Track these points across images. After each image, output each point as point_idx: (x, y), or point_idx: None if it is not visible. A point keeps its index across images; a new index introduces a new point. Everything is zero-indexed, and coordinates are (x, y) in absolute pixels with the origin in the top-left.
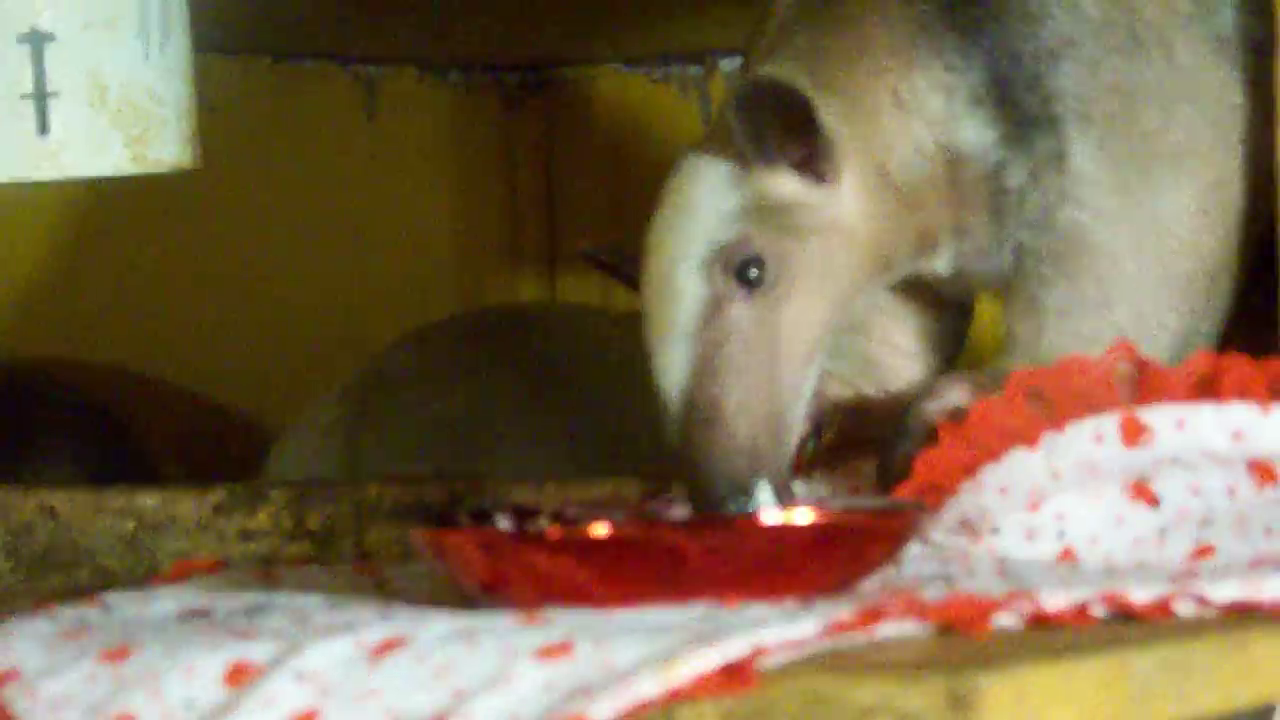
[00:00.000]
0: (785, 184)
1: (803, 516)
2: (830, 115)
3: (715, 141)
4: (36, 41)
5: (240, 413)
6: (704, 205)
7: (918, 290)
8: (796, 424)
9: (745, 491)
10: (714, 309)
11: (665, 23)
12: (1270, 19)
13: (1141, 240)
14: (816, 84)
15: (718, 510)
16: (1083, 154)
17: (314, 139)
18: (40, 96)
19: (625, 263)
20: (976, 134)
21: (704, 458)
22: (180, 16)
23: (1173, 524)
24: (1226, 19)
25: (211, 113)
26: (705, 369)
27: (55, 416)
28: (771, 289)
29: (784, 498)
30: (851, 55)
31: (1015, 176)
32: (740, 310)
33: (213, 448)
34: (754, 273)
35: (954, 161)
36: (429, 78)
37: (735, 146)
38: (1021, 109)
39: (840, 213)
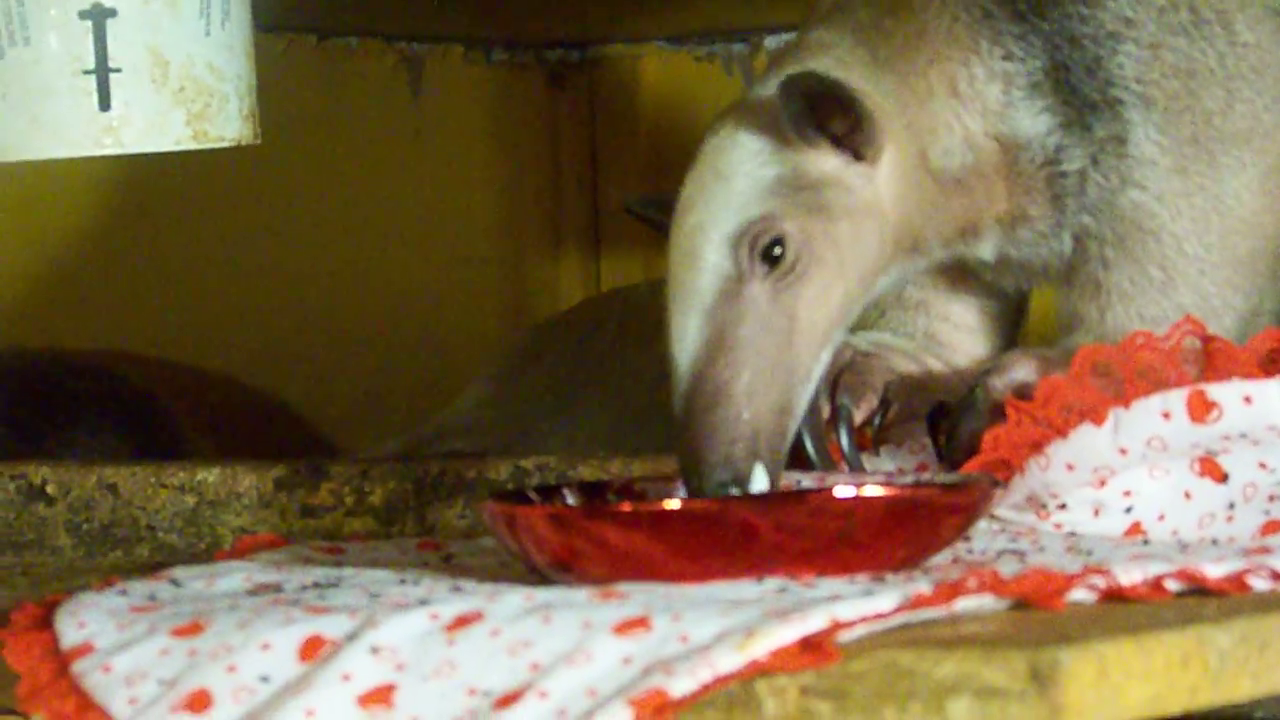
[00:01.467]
0: (823, 160)
1: (874, 491)
2: (880, 94)
3: (753, 110)
4: (98, 17)
5: (277, 395)
6: (737, 178)
7: (975, 274)
8: (802, 409)
9: (741, 479)
10: (734, 286)
11: (709, 0)
12: None
13: (1204, 221)
14: (873, 59)
15: (710, 489)
16: (1144, 137)
17: (359, 117)
18: (102, 72)
19: (667, 215)
20: (1034, 121)
21: (704, 438)
22: None
23: (1241, 499)
24: None
25: (258, 91)
26: (718, 347)
27: (91, 398)
28: (794, 271)
29: (776, 483)
30: (910, 39)
31: (1074, 161)
32: (760, 290)
33: (250, 432)
34: (778, 252)
35: (1010, 149)
36: (473, 55)
37: (773, 118)
38: (1080, 94)
39: (875, 194)
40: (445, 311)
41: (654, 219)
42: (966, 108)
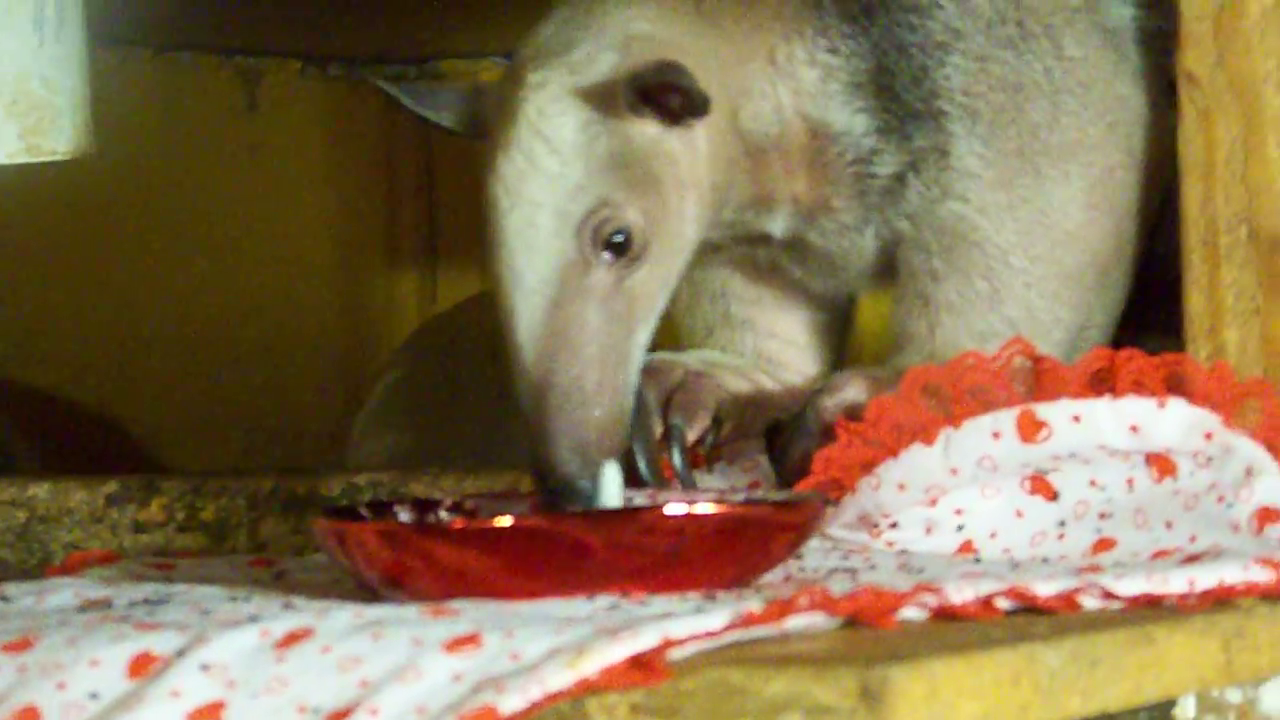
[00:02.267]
0: (649, 127)
1: (705, 509)
2: (701, 49)
3: (576, 70)
4: None
5: (108, 410)
6: (570, 155)
7: (801, 284)
8: (635, 387)
9: (594, 471)
10: (577, 275)
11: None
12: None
13: (1029, 235)
14: (697, 9)
15: (567, 488)
16: (967, 149)
17: (195, 130)
18: None
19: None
20: (849, 118)
21: (558, 435)
22: (75, 5)
23: (1072, 517)
24: (1114, 11)
25: (94, 103)
26: (565, 340)
27: None
28: (638, 252)
29: (625, 476)
30: (746, 3)
31: (887, 166)
32: (605, 278)
33: (79, 448)
34: (621, 239)
35: (819, 136)
36: (310, 70)
37: (599, 84)
38: (903, 102)
39: (694, 160)
40: (280, 325)
41: (420, 102)
42: (781, 80)
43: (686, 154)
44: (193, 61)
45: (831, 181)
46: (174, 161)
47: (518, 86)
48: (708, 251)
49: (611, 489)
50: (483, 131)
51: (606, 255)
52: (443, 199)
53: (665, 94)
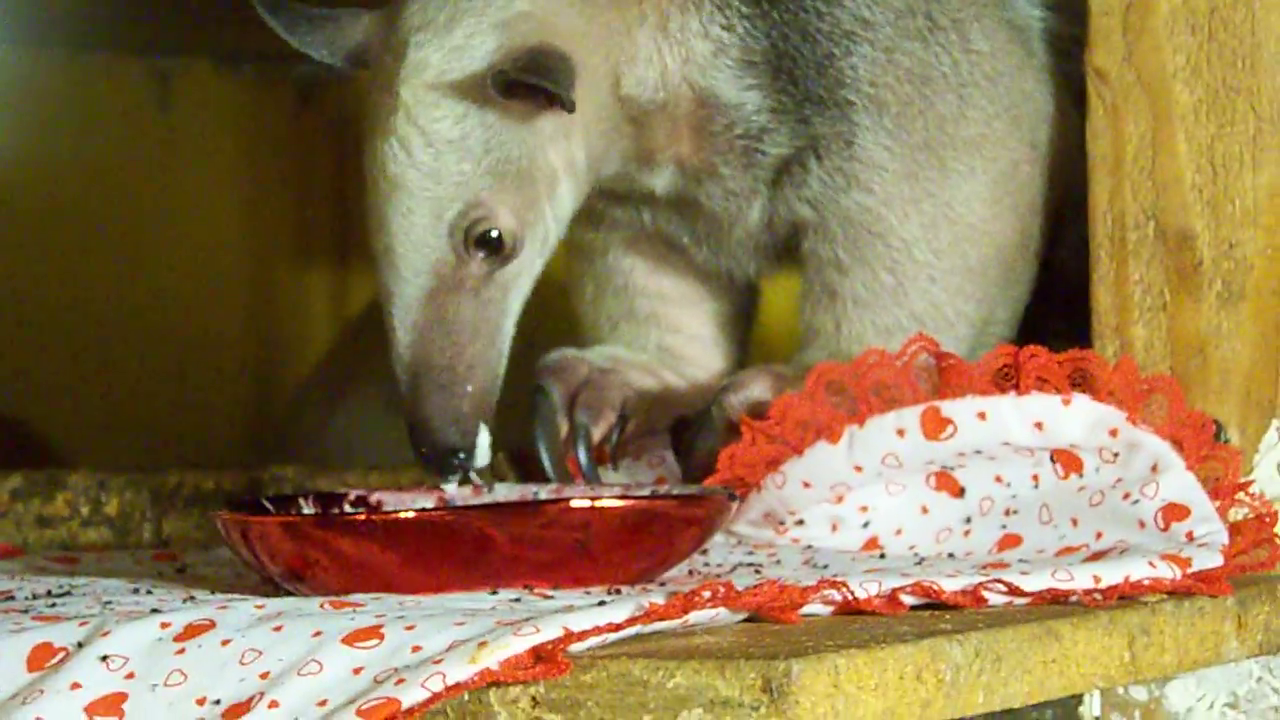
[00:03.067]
0: (521, 114)
1: (610, 503)
2: (586, 18)
3: (452, 53)
4: None
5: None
6: (446, 151)
7: (704, 276)
8: (506, 356)
9: (471, 440)
10: (452, 270)
11: None
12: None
13: (934, 228)
14: None
15: (450, 457)
16: (873, 140)
17: (107, 130)
18: None
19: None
20: (738, 93)
21: (437, 413)
22: None
23: (978, 513)
24: (1019, 8)
25: (3, 103)
26: (438, 330)
27: None
28: (510, 251)
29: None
30: None
31: (778, 146)
32: (477, 272)
33: None
34: (494, 237)
35: (705, 105)
36: (223, 70)
37: (473, 72)
38: (803, 87)
39: (568, 141)
40: (190, 324)
41: (284, 29)
42: (671, 48)
43: (560, 134)
44: (105, 61)
45: (719, 151)
46: (85, 160)
47: (398, 59)
48: (603, 231)
49: (484, 449)
50: (357, 64)
51: (479, 253)
52: (354, 198)
53: (533, 88)
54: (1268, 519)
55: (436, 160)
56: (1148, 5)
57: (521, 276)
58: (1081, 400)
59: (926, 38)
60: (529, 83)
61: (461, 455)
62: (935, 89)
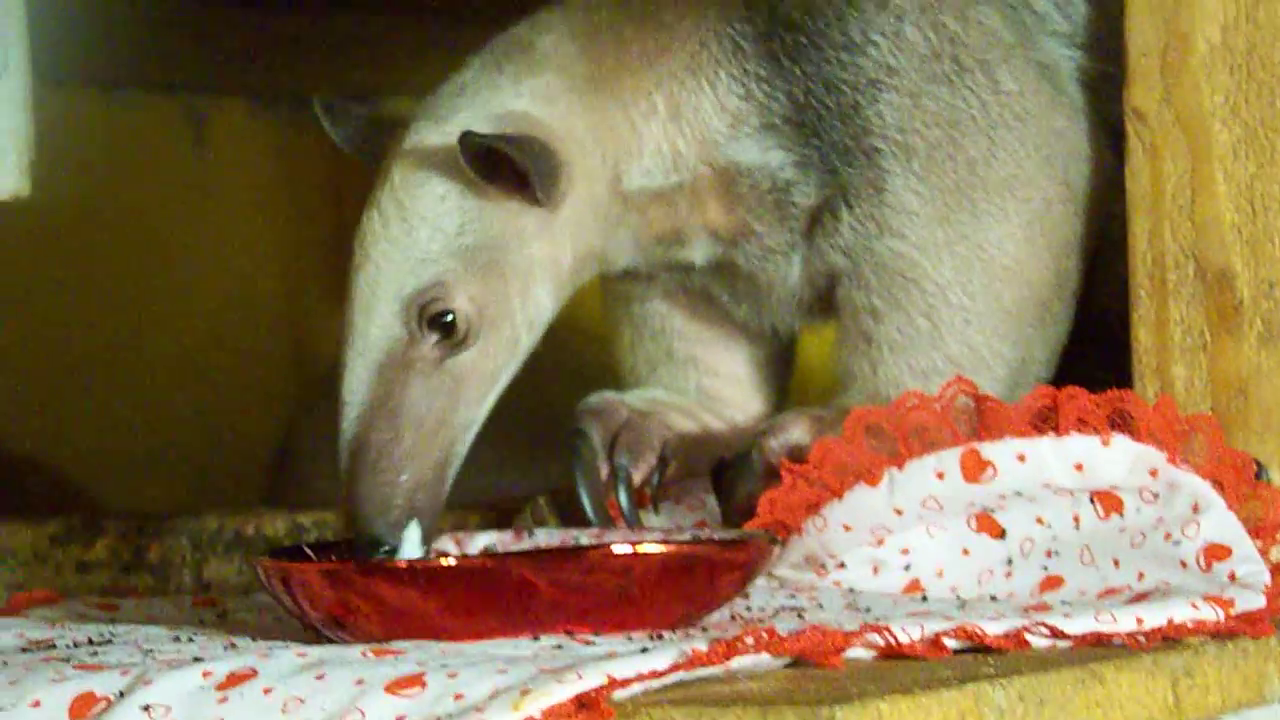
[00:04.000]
0: (507, 204)
1: (651, 548)
2: (586, 119)
3: (446, 144)
4: None
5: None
6: (419, 226)
7: (739, 322)
8: (461, 456)
9: (396, 534)
10: (403, 348)
11: None
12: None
13: (967, 271)
14: (593, 75)
15: (372, 549)
16: (903, 185)
17: (143, 169)
18: None
19: (342, 124)
20: (762, 155)
21: (363, 496)
22: (20, 45)
23: (1019, 555)
24: (1048, 49)
25: (40, 141)
26: (383, 407)
27: None
28: (464, 340)
29: (430, 538)
30: (647, 54)
31: (806, 197)
32: (428, 355)
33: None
34: (449, 320)
35: (728, 174)
36: (258, 109)
37: (456, 159)
38: (827, 138)
39: (552, 239)
40: (227, 364)
41: (335, 122)
42: (683, 133)
43: (544, 234)
44: (141, 99)
45: (749, 208)
46: (121, 200)
47: (399, 141)
48: (641, 282)
49: (412, 548)
50: (376, 158)
51: (432, 334)
52: None
53: (509, 160)
54: None
55: (408, 235)
56: (1186, 45)
57: (478, 373)
58: (1121, 441)
59: (953, 81)
60: (496, 150)
61: (385, 548)
62: (964, 131)
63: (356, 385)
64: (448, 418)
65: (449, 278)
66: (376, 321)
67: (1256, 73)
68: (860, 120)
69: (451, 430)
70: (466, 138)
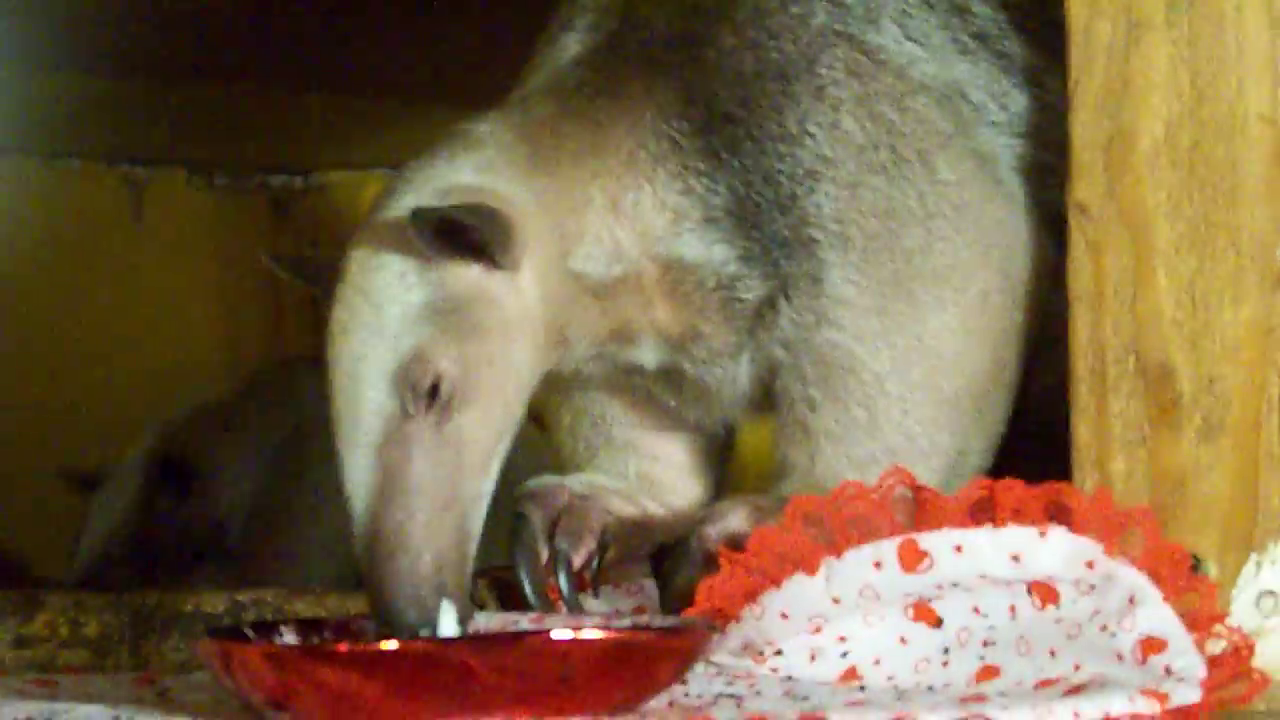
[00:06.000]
0: (467, 272)
1: (591, 634)
2: (528, 195)
3: (396, 226)
4: None
5: None
6: (387, 306)
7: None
8: (478, 530)
9: (431, 616)
10: (398, 424)
11: (430, 129)
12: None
13: (905, 361)
14: (531, 158)
15: (407, 636)
16: (841, 276)
17: (81, 238)
18: None
19: (309, 271)
20: (706, 251)
21: (389, 583)
22: None
23: (956, 644)
24: (986, 138)
25: None
26: (391, 488)
27: None
28: (455, 404)
29: (466, 615)
30: (584, 148)
31: (751, 291)
32: (425, 425)
33: None
34: (436, 389)
35: (673, 270)
36: (196, 180)
37: (410, 236)
38: (768, 230)
39: (521, 300)
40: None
41: (296, 273)
42: (623, 226)
43: (512, 297)
44: (79, 169)
45: (697, 308)
46: (57, 268)
47: (354, 235)
48: (584, 381)
49: (448, 631)
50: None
51: (423, 403)
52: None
53: (457, 228)
54: (1245, 652)
55: (378, 316)
56: (1130, 141)
57: (477, 437)
58: (1058, 532)
59: (890, 171)
60: (448, 220)
61: (423, 633)
62: (901, 222)
63: (358, 472)
64: (457, 490)
65: (427, 345)
66: (366, 404)
67: (1199, 169)
68: (798, 211)
69: (462, 503)
70: (417, 215)
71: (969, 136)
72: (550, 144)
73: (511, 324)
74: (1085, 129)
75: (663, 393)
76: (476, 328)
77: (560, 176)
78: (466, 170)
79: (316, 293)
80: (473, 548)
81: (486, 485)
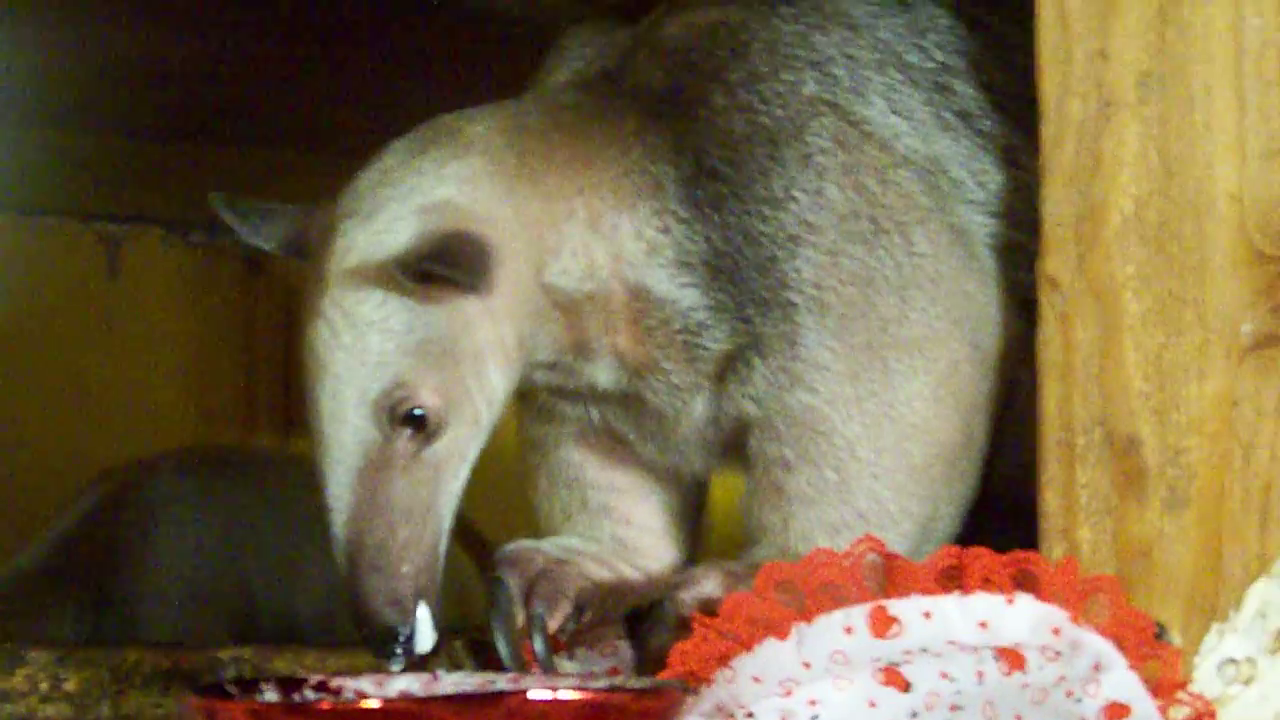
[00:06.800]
0: (444, 296)
1: (568, 694)
2: (509, 207)
3: (368, 234)
4: None
5: None
6: (369, 333)
7: (653, 469)
8: (447, 535)
9: (409, 618)
10: (380, 449)
11: None
12: (1021, 222)
13: (877, 427)
14: (518, 167)
15: (390, 639)
16: (816, 340)
17: (55, 295)
18: None
19: (252, 219)
20: (676, 291)
21: (370, 592)
22: None
23: (924, 708)
24: (962, 215)
25: None
26: (371, 508)
27: None
28: (434, 429)
29: (437, 612)
30: (574, 163)
31: (718, 342)
32: (405, 450)
33: None
34: (419, 414)
35: (640, 299)
36: (171, 238)
37: (389, 259)
38: (745, 288)
39: (494, 322)
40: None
41: (242, 219)
42: (600, 243)
43: (485, 316)
44: (54, 226)
45: (659, 345)
46: (32, 325)
47: (328, 246)
48: (555, 422)
49: (426, 628)
50: (299, 253)
51: (405, 431)
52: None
53: (438, 260)
54: (1208, 718)
55: (360, 341)
56: (1100, 217)
57: (453, 456)
58: (1025, 600)
59: (870, 240)
60: (433, 271)
61: (403, 637)
62: (878, 290)
63: (340, 490)
64: (433, 505)
65: (408, 375)
66: (348, 429)
67: (1167, 245)
68: (778, 273)
69: (438, 514)
70: (399, 264)
71: (947, 212)
72: (540, 153)
73: (485, 349)
74: (1057, 204)
75: (621, 423)
76: (454, 355)
77: (545, 186)
78: (451, 183)
79: (256, 240)
80: (444, 548)
81: (458, 491)
